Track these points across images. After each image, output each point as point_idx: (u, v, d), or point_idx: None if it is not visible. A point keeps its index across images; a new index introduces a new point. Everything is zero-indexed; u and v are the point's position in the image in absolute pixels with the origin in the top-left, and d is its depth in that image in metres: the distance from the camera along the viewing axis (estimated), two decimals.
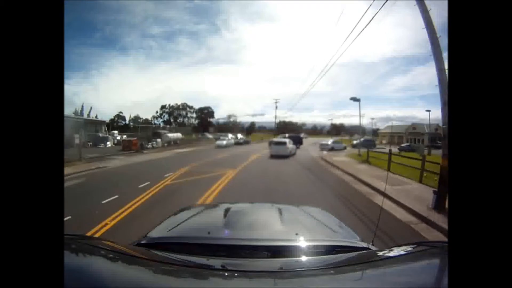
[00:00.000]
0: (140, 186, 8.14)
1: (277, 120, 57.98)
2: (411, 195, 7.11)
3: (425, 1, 6.22)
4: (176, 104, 70.49)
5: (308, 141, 41.87)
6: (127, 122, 51.56)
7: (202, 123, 66.24)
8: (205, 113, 73.22)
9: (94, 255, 1.03)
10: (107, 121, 36.39)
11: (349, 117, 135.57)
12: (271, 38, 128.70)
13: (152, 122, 62.39)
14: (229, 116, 75.65)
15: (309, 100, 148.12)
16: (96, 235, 4.19)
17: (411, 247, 1.20)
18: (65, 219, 4.37)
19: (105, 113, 74.36)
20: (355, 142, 31.42)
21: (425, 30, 6.13)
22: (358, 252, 1.25)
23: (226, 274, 0.96)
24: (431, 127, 48.14)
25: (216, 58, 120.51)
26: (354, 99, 19.28)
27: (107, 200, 6.41)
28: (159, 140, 28.48)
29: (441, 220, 4.53)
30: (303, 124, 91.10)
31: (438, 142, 34.41)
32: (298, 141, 28.86)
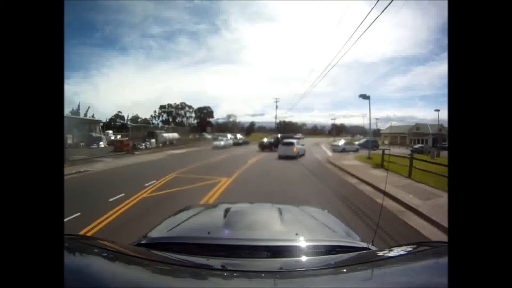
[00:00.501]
0: (111, 199, 6.64)
1: (277, 120, 56.70)
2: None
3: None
4: (175, 103, 70.00)
5: (309, 142, 39.76)
6: (126, 121, 50.81)
7: (201, 123, 65.54)
8: (204, 113, 72.42)
9: (94, 255, 1.01)
10: (102, 121, 34.74)
11: (349, 117, 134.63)
12: (271, 38, 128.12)
13: (151, 122, 61.92)
14: (229, 116, 75.03)
15: (309, 100, 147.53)
16: None
17: (411, 247, 1.19)
18: None
19: (105, 113, 74.33)
20: (356, 143, 29.90)
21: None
22: (358, 252, 1.24)
23: (226, 274, 0.95)
24: (434, 128, 46.93)
25: (216, 58, 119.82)
26: (364, 97, 17.67)
27: (66, 219, 4.80)
28: (153, 140, 27.21)
29: None
30: (304, 124, 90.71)
31: (443, 143, 32.87)
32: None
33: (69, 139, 14.21)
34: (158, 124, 58.30)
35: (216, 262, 1.03)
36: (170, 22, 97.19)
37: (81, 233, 4.34)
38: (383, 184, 8.27)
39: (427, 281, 0.82)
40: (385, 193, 7.41)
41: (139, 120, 57.59)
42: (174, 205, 5.60)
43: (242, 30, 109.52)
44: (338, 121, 65.34)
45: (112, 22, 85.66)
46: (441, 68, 67.43)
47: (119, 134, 30.77)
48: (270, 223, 1.71)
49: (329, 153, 23.08)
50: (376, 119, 60.64)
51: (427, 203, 6.31)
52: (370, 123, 23.46)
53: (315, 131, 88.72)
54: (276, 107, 51.71)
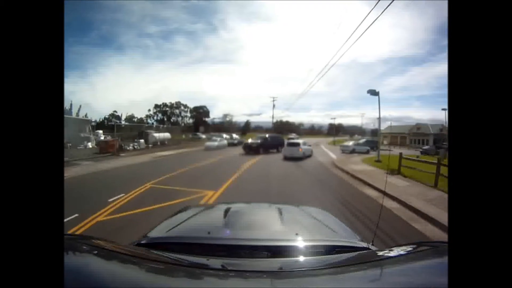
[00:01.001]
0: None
1: (274, 120, 54.66)
2: None
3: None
4: (170, 102, 68.29)
5: (308, 142, 37.99)
6: (121, 121, 49.49)
7: (197, 123, 63.77)
8: (200, 113, 69.99)
9: (94, 255, 1.00)
10: (93, 120, 32.52)
11: (346, 117, 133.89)
12: (268, 38, 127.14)
13: (146, 121, 60.63)
14: (225, 116, 73.17)
15: (307, 100, 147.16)
16: None
17: (411, 247, 1.18)
18: None
19: (102, 112, 72.84)
20: (351, 143, 27.89)
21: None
22: (358, 252, 1.24)
23: (225, 274, 0.94)
24: (435, 128, 45.90)
25: (213, 57, 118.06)
26: (372, 92, 15.79)
27: None
28: (142, 141, 25.30)
29: None
30: (301, 124, 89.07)
31: (444, 143, 31.52)
32: (278, 144, 23.00)
33: None
34: (153, 123, 57.14)
35: (216, 262, 1.03)
36: (167, 22, 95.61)
37: None
38: (413, 199, 6.54)
39: (427, 281, 0.82)
40: (420, 214, 5.68)
41: (134, 119, 56.64)
42: (132, 236, 3.72)
43: (239, 30, 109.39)
44: (334, 121, 63.80)
45: (109, 21, 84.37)
46: (439, 69, 67.30)
47: (109, 134, 28.49)
48: (270, 223, 1.71)
49: (332, 155, 21.12)
50: (378, 118, 59.07)
51: None
52: (379, 122, 19.36)
53: (313, 131, 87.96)
54: (273, 105, 49.72)
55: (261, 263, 1.12)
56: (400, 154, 11.16)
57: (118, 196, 6.89)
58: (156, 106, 67.64)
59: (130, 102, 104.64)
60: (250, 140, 23.73)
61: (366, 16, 8.99)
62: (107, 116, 54.58)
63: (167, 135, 30.86)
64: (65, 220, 4.97)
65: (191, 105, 70.41)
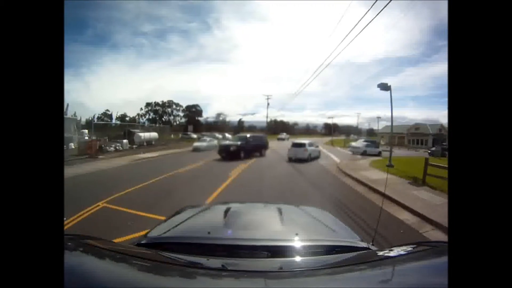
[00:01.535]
0: None
1: (268, 119, 52.63)
2: None
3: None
4: (162, 101, 66.42)
5: (316, 142, 35.38)
6: (111, 120, 47.56)
7: (189, 122, 61.71)
8: (193, 111, 68.74)
9: (94, 255, 1.01)
10: (78, 119, 29.73)
11: (339, 116, 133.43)
12: (263, 38, 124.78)
13: (138, 120, 59.00)
14: (218, 115, 71.20)
15: (301, 100, 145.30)
16: None
17: (411, 247, 1.18)
18: None
19: (95, 111, 71.53)
20: (354, 144, 25.11)
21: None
22: (358, 252, 1.24)
23: (225, 274, 0.94)
24: (434, 128, 44.91)
25: (208, 56, 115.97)
26: (383, 87, 13.76)
27: None
28: (125, 141, 23.06)
29: None
30: (295, 124, 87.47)
31: (444, 144, 30.20)
32: (261, 145, 19.08)
33: None
34: (144, 123, 55.36)
35: (216, 262, 1.03)
36: (162, 20, 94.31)
37: None
38: None
39: (427, 281, 0.81)
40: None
41: (127, 118, 55.62)
42: None
43: (234, 29, 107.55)
44: (330, 121, 62.56)
45: (103, 19, 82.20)
46: (434, 69, 67.32)
47: (91, 135, 25.95)
48: (270, 223, 1.70)
49: (334, 157, 19.16)
50: (378, 117, 57.70)
51: None
52: (392, 121, 15.61)
53: (308, 130, 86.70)
54: (268, 104, 47.92)
55: (261, 263, 1.13)
56: (426, 160, 8.73)
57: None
58: (148, 104, 65.70)
59: (124, 101, 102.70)
60: (227, 142, 18.71)
61: (362, 17, 9.11)
62: (99, 115, 53.32)
63: (154, 135, 28.35)
64: None
65: (185, 104, 68.63)
